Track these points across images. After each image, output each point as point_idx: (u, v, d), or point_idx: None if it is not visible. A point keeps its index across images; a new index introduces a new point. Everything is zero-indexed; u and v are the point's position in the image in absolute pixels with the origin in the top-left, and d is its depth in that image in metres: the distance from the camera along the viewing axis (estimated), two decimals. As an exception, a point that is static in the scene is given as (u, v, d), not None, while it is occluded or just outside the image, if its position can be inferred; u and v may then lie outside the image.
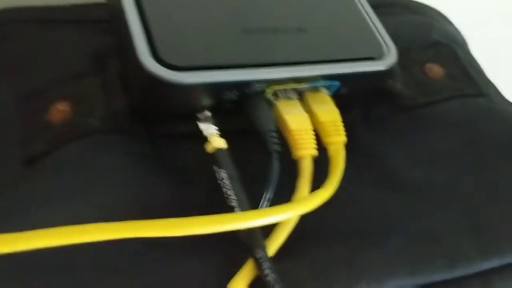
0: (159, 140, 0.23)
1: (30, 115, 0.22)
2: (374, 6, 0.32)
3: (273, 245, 0.19)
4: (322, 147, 0.22)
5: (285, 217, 0.19)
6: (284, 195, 0.20)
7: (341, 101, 0.25)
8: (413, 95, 0.26)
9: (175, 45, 0.20)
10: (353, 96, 0.26)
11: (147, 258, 0.19)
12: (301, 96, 0.23)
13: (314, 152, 0.21)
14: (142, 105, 0.21)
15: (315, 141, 0.22)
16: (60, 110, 0.22)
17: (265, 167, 0.21)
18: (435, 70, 0.28)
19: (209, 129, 0.21)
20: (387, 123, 0.26)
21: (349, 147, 0.25)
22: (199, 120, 0.21)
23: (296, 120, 0.22)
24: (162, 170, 0.22)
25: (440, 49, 0.29)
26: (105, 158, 0.21)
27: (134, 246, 0.19)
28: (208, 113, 0.21)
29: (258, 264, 0.18)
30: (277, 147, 0.21)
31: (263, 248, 0.19)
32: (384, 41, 0.25)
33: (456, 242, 0.21)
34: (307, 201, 0.19)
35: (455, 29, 0.34)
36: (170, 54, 0.19)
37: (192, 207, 0.20)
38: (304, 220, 0.20)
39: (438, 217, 0.22)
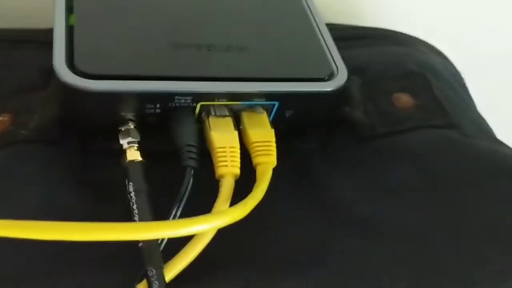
0: (90, 155, 0.22)
1: None
2: (358, 37, 0.31)
3: (175, 267, 0.18)
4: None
5: (184, 232, 0.17)
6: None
7: (296, 128, 0.24)
8: (373, 125, 0.25)
9: (92, 53, 0.20)
10: (307, 122, 0.24)
11: (50, 268, 0.18)
12: (237, 116, 0.22)
13: (236, 171, 0.20)
14: (66, 115, 0.21)
15: (238, 161, 0.20)
16: (0, 121, 0.23)
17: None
18: (404, 100, 0.26)
19: (127, 142, 0.20)
20: (344, 153, 0.24)
21: (298, 175, 0.24)
22: (120, 132, 0.20)
23: (222, 138, 0.21)
24: (84, 184, 0.21)
25: (412, 79, 0.27)
26: (24, 166, 0.21)
27: (39, 256, 0.18)
28: (130, 126, 0.21)
29: (149, 283, 0.17)
30: (191, 162, 0.20)
31: (158, 267, 0.17)
32: (335, 63, 0.23)
33: (390, 282, 0.19)
34: (211, 216, 0.18)
35: (446, 62, 0.32)
36: (85, 62, 0.19)
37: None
38: (223, 243, 0.19)
39: (377, 254, 0.20)
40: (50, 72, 0.24)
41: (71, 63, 0.19)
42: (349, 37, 0.31)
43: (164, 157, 0.21)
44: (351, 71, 0.24)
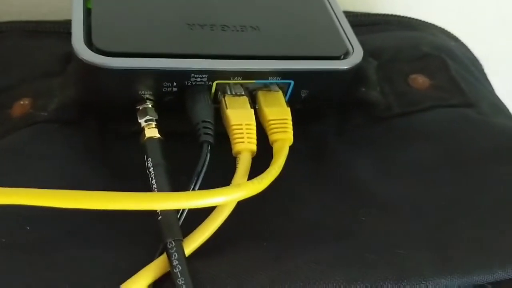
0: (109, 135, 0.23)
1: None
2: (371, 24, 0.31)
3: (194, 240, 0.18)
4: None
5: (202, 203, 0.17)
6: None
7: (312, 108, 0.24)
8: (389, 105, 0.25)
9: (110, 32, 0.20)
10: (323, 102, 0.24)
11: (62, 245, 0.18)
12: (253, 95, 0.22)
13: (252, 148, 0.20)
14: (84, 95, 0.21)
15: (255, 137, 0.20)
16: (21, 105, 0.23)
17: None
18: (420, 80, 0.26)
19: (145, 118, 0.20)
20: (360, 132, 0.24)
21: (316, 155, 0.24)
22: (138, 110, 0.21)
23: (238, 115, 0.21)
24: (101, 163, 0.21)
25: (428, 61, 0.27)
26: (43, 145, 0.21)
27: (52, 232, 0.18)
28: (148, 105, 0.21)
29: (168, 255, 0.17)
30: (208, 138, 0.20)
31: (177, 238, 0.17)
32: (350, 42, 0.23)
33: (409, 255, 0.18)
34: (228, 189, 0.18)
35: (462, 47, 0.32)
36: (103, 40, 0.20)
37: None
38: (242, 218, 0.19)
39: (393, 230, 0.20)
40: (68, 58, 0.25)
41: (89, 42, 0.20)
42: (362, 23, 0.31)
43: (181, 136, 0.21)
44: (367, 53, 0.24)
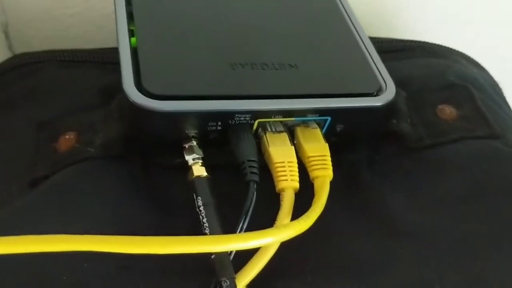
0: (153, 169, 0.23)
1: (41, 142, 0.24)
2: (396, 50, 0.32)
3: (245, 277, 0.19)
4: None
5: (257, 243, 0.18)
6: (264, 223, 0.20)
7: (345, 141, 0.25)
8: (420, 136, 0.26)
9: (158, 74, 0.21)
10: (357, 135, 0.25)
11: (117, 280, 0.19)
12: (291, 131, 0.23)
13: (295, 185, 0.21)
14: (132, 132, 0.22)
15: (297, 175, 0.21)
16: (66, 139, 0.24)
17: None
18: (448, 111, 0.27)
19: (193, 158, 0.21)
20: (392, 164, 0.25)
21: (349, 186, 0.24)
22: (185, 149, 0.22)
23: (280, 153, 0.22)
24: (149, 198, 0.22)
25: (454, 90, 0.28)
26: (94, 181, 0.22)
27: (106, 268, 0.19)
28: (193, 143, 0.22)
29: (222, 294, 0.18)
30: (255, 177, 0.21)
31: (231, 277, 0.18)
32: (382, 77, 0.24)
33: None
34: (279, 230, 0.19)
35: (483, 72, 0.33)
36: (153, 84, 0.21)
37: (172, 235, 0.21)
38: (285, 254, 0.20)
39: (429, 264, 0.21)
40: (107, 90, 0.26)
41: (138, 85, 0.21)
42: (387, 50, 0.31)
43: (224, 168, 0.22)
44: (396, 84, 0.25)
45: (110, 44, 0.33)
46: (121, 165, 0.23)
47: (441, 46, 0.33)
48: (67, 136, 0.24)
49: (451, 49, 0.33)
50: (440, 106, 0.27)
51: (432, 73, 0.29)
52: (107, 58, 0.29)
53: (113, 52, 0.29)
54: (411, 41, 0.33)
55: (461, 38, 0.38)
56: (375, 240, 0.22)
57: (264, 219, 0.20)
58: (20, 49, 0.37)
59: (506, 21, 0.40)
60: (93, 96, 0.26)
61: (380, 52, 0.26)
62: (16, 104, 0.27)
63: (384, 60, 0.26)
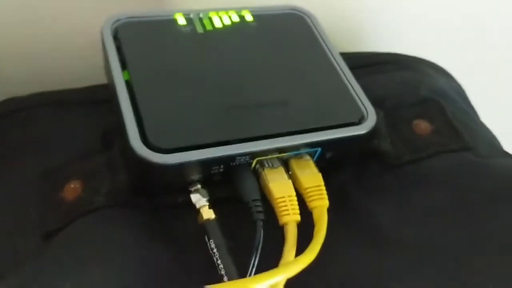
0: (161, 210, 0.25)
1: (46, 192, 0.25)
2: (367, 65, 0.34)
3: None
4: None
5: (271, 282, 0.20)
6: (270, 257, 0.22)
7: (331, 163, 0.27)
8: (399, 154, 0.28)
9: (162, 128, 0.22)
10: (343, 159, 0.27)
11: None
12: (285, 162, 0.25)
13: (297, 218, 0.23)
14: (138, 181, 0.24)
15: (297, 207, 0.23)
16: (72, 188, 0.25)
17: (252, 233, 0.22)
18: (423, 126, 0.29)
19: (200, 201, 0.23)
20: (376, 181, 0.27)
21: (340, 206, 0.27)
22: (191, 192, 0.23)
23: (280, 188, 0.24)
24: (162, 239, 0.24)
25: (428, 105, 0.30)
26: (109, 231, 0.23)
27: None
28: (198, 186, 0.23)
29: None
30: (261, 216, 0.23)
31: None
32: (363, 105, 0.26)
33: None
34: (290, 266, 0.21)
35: (449, 79, 0.35)
36: (158, 138, 0.22)
37: (191, 274, 0.23)
38: (289, 283, 0.22)
39: (425, 276, 0.23)
40: (105, 134, 0.27)
41: (144, 139, 0.22)
42: (358, 65, 0.33)
43: (226, 202, 0.24)
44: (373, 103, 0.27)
45: (91, 74, 0.34)
46: (130, 211, 0.24)
47: (410, 57, 0.35)
48: (72, 185, 0.25)
49: (420, 59, 0.35)
50: (415, 122, 0.29)
51: (405, 88, 0.31)
52: (95, 98, 0.30)
53: (102, 90, 0.30)
54: (381, 54, 0.35)
55: (424, 42, 0.41)
56: (367, 252, 0.24)
57: (269, 245, 0.22)
58: None
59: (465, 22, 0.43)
60: (93, 141, 0.27)
61: (352, 68, 0.28)
62: (15, 154, 0.28)
63: (358, 78, 0.28)
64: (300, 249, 0.22)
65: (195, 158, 0.22)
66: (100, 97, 0.30)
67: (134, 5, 0.35)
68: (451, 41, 0.43)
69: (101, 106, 0.29)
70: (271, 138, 0.24)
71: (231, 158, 0.23)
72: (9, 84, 0.37)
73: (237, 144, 0.23)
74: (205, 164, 0.23)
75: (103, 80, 0.28)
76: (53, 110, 0.29)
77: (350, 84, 0.27)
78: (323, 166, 0.26)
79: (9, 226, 0.25)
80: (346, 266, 0.24)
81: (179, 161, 0.22)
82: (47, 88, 0.31)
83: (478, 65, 0.45)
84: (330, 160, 0.26)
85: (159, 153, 0.22)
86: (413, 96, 0.31)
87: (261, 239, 0.22)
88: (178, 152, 0.22)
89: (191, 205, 0.23)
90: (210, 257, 0.22)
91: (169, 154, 0.22)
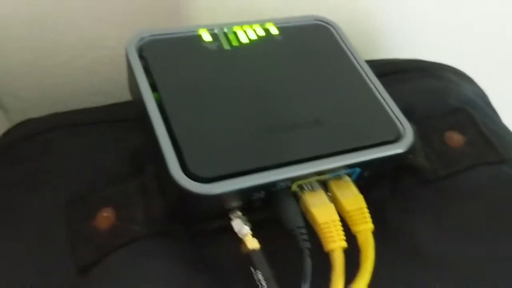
0: (198, 236, 0.24)
1: (77, 222, 0.24)
2: (391, 73, 0.33)
3: None
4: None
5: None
6: (314, 284, 0.21)
7: (368, 182, 0.27)
8: (434, 168, 0.27)
9: (201, 157, 0.22)
10: (382, 177, 0.27)
11: None
12: (325, 184, 0.24)
13: (344, 244, 0.22)
14: (177, 210, 0.23)
15: (343, 232, 0.23)
16: (105, 216, 0.24)
17: (295, 259, 0.22)
18: (455, 138, 0.29)
19: (242, 230, 0.22)
20: (412, 197, 0.27)
21: (378, 223, 0.26)
22: (231, 220, 0.22)
23: (322, 212, 0.23)
24: (202, 268, 0.23)
25: (458, 115, 0.30)
26: (149, 263, 0.22)
27: None
28: (239, 213, 0.23)
29: None
30: (307, 244, 0.22)
31: None
32: (400, 122, 0.26)
33: None
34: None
35: (472, 85, 0.35)
36: (198, 166, 0.21)
37: None
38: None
39: None
40: (134, 157, 0.26)
41: (184, 169, 0.21)
42: (383, 73, 0.33)
43: (267, 224, 0.23)
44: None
45: (104, 89, 0.33)
46: (167, 240, 0.23)
47: (432, 63, 0.35)
48: (104, 214, 0.24)
49: (442, 65, 0.34)
50: (447, 134, 0.29)
51: (433, 98, 0.31)
52: (117, 116, 0.29)
53: (123, 108, 0.29)
54: (402, 61, 0.34)
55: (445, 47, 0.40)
56: (410, 273, 0.24)
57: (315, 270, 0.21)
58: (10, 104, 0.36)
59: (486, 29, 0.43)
60: (121, 165, 0.26)
61: (380, 75, 0.28)
62: (37, 180, 0.26)
63: (386, 85, 0.27)
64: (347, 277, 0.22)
65: (237, 187, 0.21)
66: (114, 117, 0.29)
67: (146, 17, 0.34)
68: (468, 44, 0.43)
69: (122, 124, 0.28)
70: (310, 160, 0.23)
71: (273, 184, 0.22)
72: (21, 100, 0.36)
73: (278, 169, 0.22)
74: (247, 191, 0.22)
75: (114, 93, 0.27)
76: (70, 132, 0.28)
77: (383, 98, 0.27)
78: (362, 185, 0.25)
79: (37, 259, 0.24)
80: (386, 279, 0.23)
81: (222, 190, 0.21)
82: (59, 103, 0.30)
83: (496, 68, 0.45)
84: (369, 179, 0.26)
85: (200, 182, 0.21)
86: (442, 106, 0.30)
87: (310, 270, 0.21)
88: (219, 180, 0.21)
89: (228, 229, 0.23)
90: (251, 284, 0.21)
91: (211, 184, 0.21)
